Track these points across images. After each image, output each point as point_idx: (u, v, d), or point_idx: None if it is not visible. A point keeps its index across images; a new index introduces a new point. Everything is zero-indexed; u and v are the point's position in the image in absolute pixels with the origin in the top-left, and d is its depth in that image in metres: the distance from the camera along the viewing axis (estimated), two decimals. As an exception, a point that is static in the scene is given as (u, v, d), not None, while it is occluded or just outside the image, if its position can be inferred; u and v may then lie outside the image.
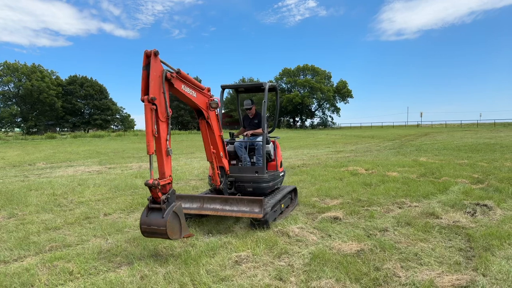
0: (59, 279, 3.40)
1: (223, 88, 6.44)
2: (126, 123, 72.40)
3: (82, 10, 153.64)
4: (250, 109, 6.40)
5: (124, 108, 72.63)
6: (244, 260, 3.77)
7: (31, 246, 4.34)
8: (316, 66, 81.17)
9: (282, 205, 5.56)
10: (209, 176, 5.51)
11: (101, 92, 67.38)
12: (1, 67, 54.71)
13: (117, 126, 71.84)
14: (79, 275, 3.49)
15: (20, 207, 6.39)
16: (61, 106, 60.13)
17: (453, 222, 4.99)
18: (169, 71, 3.85)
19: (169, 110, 3.84)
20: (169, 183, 3.83)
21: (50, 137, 39.86)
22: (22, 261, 3.90)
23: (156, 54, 3.65)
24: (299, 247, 4.17)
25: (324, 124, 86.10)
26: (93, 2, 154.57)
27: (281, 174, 6.08)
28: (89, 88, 64.69)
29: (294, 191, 6.34)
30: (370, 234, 4.60)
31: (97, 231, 4.93)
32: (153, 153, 3.59)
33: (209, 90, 4.81)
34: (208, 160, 5.12)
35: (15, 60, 55.86)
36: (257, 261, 3.75)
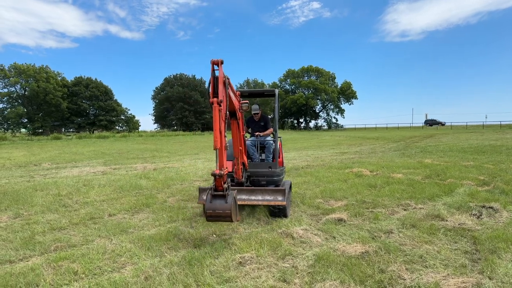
0: (64, 279, 3.42)
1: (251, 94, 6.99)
2: (131, 124, 72.79)
3: (88, 12, 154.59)
4: (257, 113, 6.81)
5: (129, 109, 73.16)
6: (248, 261, 3.77)
7: (36, 246, 4.37)
8: (320, 67, 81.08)
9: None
10: (229, 172, 5.73)
11: (106, 93, 67.81)
12: (9, 69, 55.25)
13: (122, 127, 72.21)
14: (83, 275, 3.51)
15: (25, 207, 6.44)
16: (66, 107, 60.65)
17: (459, 224, 4.95)
18: (227, 77, 4.27)
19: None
20: (226, 174, 4.24)
21: (55, 137, 40.12)
22: (27, 261, 3.93)
23: (222, 62, 4.15)
24: (303, 249, 4.16)
25: (328, 125, 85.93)
26: (99, 4, 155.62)
27: (284, 170, 6.62)
28: (94, 89, 65.14)
29: (290, 186, 6.74)
30: (375, 236, 4.58)
31: (101, 231, 4.95)
32: (219, 147, 4.05)
33: (240, 95, 5.42)
34: (234, 156, 5.47)
35: (24, 63, 56.53)
36: (261, 263, 3.75)
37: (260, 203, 5.32)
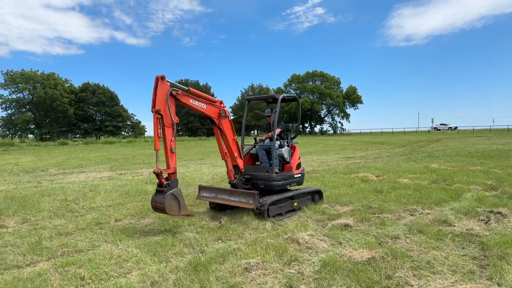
0: (70, 284, 3.44)
1: (247, 100, 7.58)
2: (137, 130, 73.19)
3: (95, 19, 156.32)
4: (269, 116, 7.08)
5: (135, 115, 73.58)
6: (254, 267, 3.75)
7: (43, 251, 4.40)
8: (325, 72, 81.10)
9: (295, 204, 6.26)
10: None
11: (113, 99, 68.36)
12: (17, 75, 56.02)
13: (128, 133, 72.64)
14: (90, 281, 3.52)
15: (33, 213, 6.49)
16: (73, 113, 61.24)
17: (467, 230, 4.90)
18: (175, 90, 5.05)
19: (175, 118, 5.04)
20: (172, 173, 5.12)
21: (62, 143, 40.49)
22: (34, 266, 3.95)
23: (163, 78, 4.93)
24: (309, 255, 4.14)
25: (333, 130, 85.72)
26: (106, 11, 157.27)
27: (296, 176, 6.60)
28: (100, 95, 65.72)
29: (317, 193, 6.95)
30: (382, 242, 4.54)
31: (108, 236, 4.98)
32: (158, 149, 4.90)
33: (221, 102, 5.91)
34: (222, 159, 6.22)
35: (30, 69, 57.34)
36: (266, 268, 3.74)
37: (235, 204, 5.84)
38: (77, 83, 67.74)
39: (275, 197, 5.94)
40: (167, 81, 5.03)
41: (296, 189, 6.67)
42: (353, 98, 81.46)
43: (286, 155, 6.45)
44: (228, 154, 6.17)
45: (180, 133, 72.14)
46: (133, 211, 6.46)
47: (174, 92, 5.05)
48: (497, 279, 3.36)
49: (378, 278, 3.43)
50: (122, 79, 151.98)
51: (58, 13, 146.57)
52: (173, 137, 5.06)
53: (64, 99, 58.32)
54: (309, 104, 75.50)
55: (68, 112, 59.37)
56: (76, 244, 4.68)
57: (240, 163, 6.24)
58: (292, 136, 7.11)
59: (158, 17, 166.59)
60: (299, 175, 6.72)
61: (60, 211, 6.62)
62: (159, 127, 4.88)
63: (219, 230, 5.14)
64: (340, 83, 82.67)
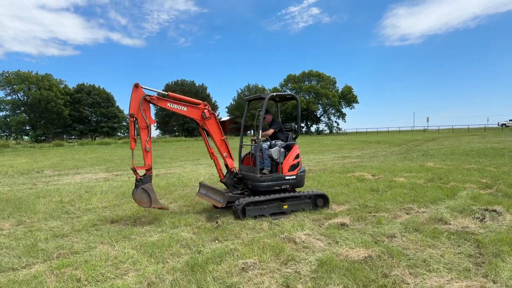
0: (66, 286, 3.42)
1: (247, 100, 7.32)
2: (133, 131, 72.83)
3: (90, 20, 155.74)
4: (264, 118, 6.84)
5: (130, 116, 73.19)
6: (251, 267, 3.76)
7: (39, 253, 4.37)
8: (321, 72, 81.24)
9: (285, 206, 6.08)
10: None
11: (108, 100, 68.03)
12: (12, 76, 55.61)
13: (124, 134, 72.32)
14: (86, 282, 3.50)
15: (28, 215, 6.45)
16: (68, 114, 60.86)
17: (462, 228, 4.94)
18: (148, 95, 5.66)
19: (150, 121, 5.68)
20: (148, 170, 5.80)
21: (57, 144, 40.19)
22: (30, 269, 3.93)
23: (137, 85, 5.60)
24: (306, 254, 4.15)
25: (329, 130, 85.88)
26: (101, 12, 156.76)
27: (287, 178, 6.30)
28: (96, 96, 65.38)
29: (321, 197, 6.44)
30: (378, 241, 4.56)
31: (104, 238, 4.96)
32: (133, 148, 5.77)
33: (205, 104, 6.18)
34: (211, 159, 6.49)
35: (27, 71, 56.90)
36: (263, 268, 3.74)
37: (212, 202, 6.21)
38: (72, 84, 67.41)
39: (256, 198, 5.91)
40: (142, 88, 5.65)
41: (293, 191, 6.41)
42: (348, 98, 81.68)
43: (275, 156, 6.26)
44: (214, 154, 6.50)
45: (176, 133, 71.97)
46: (130, 212, 6.44)
47: (148, 98, 5.64)
48: (492, 277, 3.39)
49: (375, 276, 3.45)
50: (118, 80, 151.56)
51: (52, 14, 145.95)
52: (148, 138, 5.71)
53: (59, 100, 57.94)
54: (305, 104, 75.57)
55: (63, 113, 59.00)
56: (72, 245, 4.66)
57: (230, 162, 6.36)
58: (284, 137, 6.83)
59: (153, 18, 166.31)
60: (293, 177, 6.35)
61: (55, 212, 6.59)
62: (134, 128, 5.64)
63: (216, 231, 5.13)
64: (335, 83, 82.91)
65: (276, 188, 6.27)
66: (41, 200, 7.78)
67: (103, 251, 4.39)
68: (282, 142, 6.59)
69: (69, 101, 61.95)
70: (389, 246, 4.30)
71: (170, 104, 5.91)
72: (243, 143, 7.11)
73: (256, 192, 6.22)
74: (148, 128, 5.67)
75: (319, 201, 6.39)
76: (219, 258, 4.03)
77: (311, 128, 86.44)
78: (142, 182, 5.68)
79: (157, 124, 79.70)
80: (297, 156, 6.51)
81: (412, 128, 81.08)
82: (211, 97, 77.45)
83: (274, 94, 6.60)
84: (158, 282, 3.45)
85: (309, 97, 78.95)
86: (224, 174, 6.55)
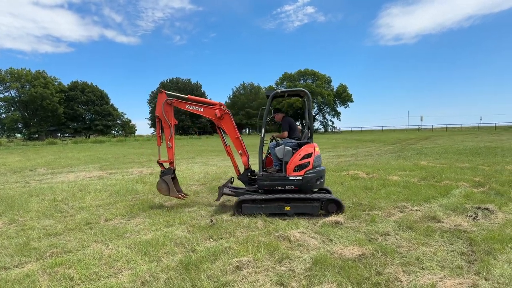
0: (59, 285, 3.40)
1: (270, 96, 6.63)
2: (127, 129, 72.59)
3: (84, 17, 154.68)
4: (274, 117, 6.94)
5: (125, 114, 73.10)
6: (245, 265, 3.76)
7: (31, 252, 4.34)
8: (316, 70, 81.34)
9: (287, 208, 5.82)
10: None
11: (102, 97, 67.69)
12: (5, 73, 54.99)
13: (118, 132, 72.01)
14: (80, 281, 3.48)
15: (21, 213, 6.39)
16: (62, 112, 60.36)
17: (455, 226, 4.98)
18: (169, 99, 6.53)
19: (172, 121, 6.55)
20: (170, 163, 6.63)
21: (51, 142, 39.90)
22: (22, 267, 3.90)
23: (161, 91, 6.60)
24: (300, 252, 4.16)
25: (324, 129, 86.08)
26: (95, 9, 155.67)
27: (291, 178, 5.95)
28: (90, 94, 64.99)
29: (333, 203, 5.93)
30: (372, 239, 4.59)
31: (97, 236, 4.93)
32: (159, 145, 6.70)
33: (220, 105, 6.55)
34: (227, 156, 6.85)
35: (21, 68, 56.34)
36: (258, 266, 3.74)
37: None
38: (66, 81, 66.79)
39: (254, 196, 5.96)
40: (165, 92, 6.57)
41: (298, 193, 6.00)
42: (343, 97, 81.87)
43: (280, 155, 6.13)
44: (230, 152, 6.78)
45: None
46: (124, 211, 6.41)
47: (169, 101, 6.50)
48: (484, 274, 3.42)
49: (369, 274, 3.47)
50: (112, 78, 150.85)
51: (46, 10, 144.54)
52: (170, 136, 6.55)
53: (54, 98, 57.43)
54: (301, 103, 75.56)
55: (57, 111, 58.50)
56: (65, 244, 4.63)
57: (244, 160, 6.57)
58: (298, 135, 6.60)
59: (148, 16, 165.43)
60: (298, 178, 5.92)
61: (48, 211, 6.53)
62: (160, 128, 6.62)
63: (210, 229, 5.12)
64: (331, 81, 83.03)
65: (279, 188, 6.02)
66: (34, 198, 7.71)
67: (96, 249, 4.37)
68: (293, 141, 6.34)
69: (63, 99, 61.46)
70: (382, 244, 4.32)
71: (188, 106, 6.55)
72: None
73: (265, 191, 6.15)
74: (170, 127, 6.54)
75: (331, 207, 5.88)
76: (213, 256, 4.03)
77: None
78: (164, 173, 6.59)
79: (151, 122, 79.47)
80: (307, 156, 5.98)
81: (407, 127, 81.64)
82: (206, 95, 77.38)
83: (279, 91, 6.22)
84: (152, 281, 3.44)
85: (304, 95, 78.92)
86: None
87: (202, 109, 6.55)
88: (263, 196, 5.94)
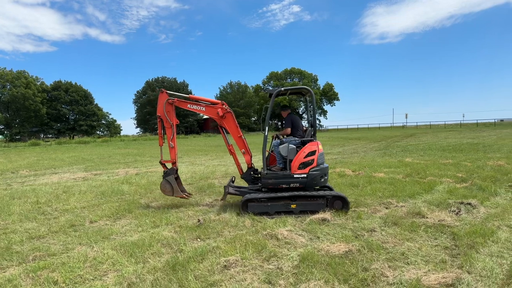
0: (43, 289, 3.32)
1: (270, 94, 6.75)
2: (112, 129, 71.49)
3: (67, 15, 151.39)
4: (280, 113, 6.90)
5: (110, 114, 71.89)
6: (233, 264, 3.75)
7: (14, 256, 4.23)
8: (302, 69, 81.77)
9: (293, 206, 5.82)
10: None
11: (86, 97, 66.41)
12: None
13: (103, 132, 70.84)
14: (64, 285, 3.42)
15: (2, 216, 6.22)
16: (45, 112, 59.02)
17: (439, 221, 5.08)
18: (171, 98, 6.44)
19: (173, 121, 6.50)
20: (173, 163, 6.63)
21: (34, 144, 39.01)
22: (4, 272, 3.80)
23: (162, 91, 6.49)
24: (288, 250, 4.18)
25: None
26: (78, 7, 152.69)
27: (295, 176, 5.96)
28: (74, 93, 63.68)
29: (339, 199, 5.94)
30: (358, 235, 4.64)
31: (82, 239, 4.84)
32: (161, 145, 6.71)
33: (222, 104, 6.50)
34: (230, 154, 6.88)
35: (1, 68, 54.81)
36: (246, 265, 3.74)
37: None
38: (49, 81, 65.39)
39: (260, 195, 5.91)
40: (167, 92, 6.46)
41: (302, 191, 6.02)
42: (330, 95, 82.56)
43: (284, 153, 6.11)
44: (232, 151, 6.84)
45: (157, 131, 71.05)
46: (109, 212, 6.31)
47: (170, 101, 6.42)
48: (467, 267, 3.50)
49: (355, 270, 3.50)
50: (97, 77, 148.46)
51: (28, 8, 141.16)
52: (172, 136, 6.47)
53: (36, 98, 56.07)
54: (287, 102, 75.93)
55: (40, 111, 57.15)
56: (48, 247, 4.53)
57: (247, 158, 6.56)
58: (301, 134, 6.56)
59: (133, 14, 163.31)
60: (303, 175, 5.95)
61: (31, 214, 6.38)
62: (161, 127, 6.52)
63: (197, 229, 5.09)
64: (317, 80, 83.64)
65: (284, 186, 6.02)
66: (16, 201, 7.52)
67: (81, 252, 4.29)
68: (297, 139, 6.28)
69: (45, 99, 60.10)
70: (369, 240, 4.38)
71: (190, 105, 6.53)
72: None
73: (269, 189, 6.14)
74: (172, 127, 6.48)
75: (337, 204, 5.92)
76: (200, 256, 4.00)
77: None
78: (167, 174, 6.53)
79: (136, 122, 78.57)
80: (311, 153, 6.00)
81: (392, 125, 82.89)
82: (193, 94, 76.86)
83: (282, 89, 6.27)
84: (139, 282, 3.40)
85: (291, 94, 79.22)
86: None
87: (204, 108, 6.53)
88: (271, 195, 5.89)
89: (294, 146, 6.10)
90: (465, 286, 3.14)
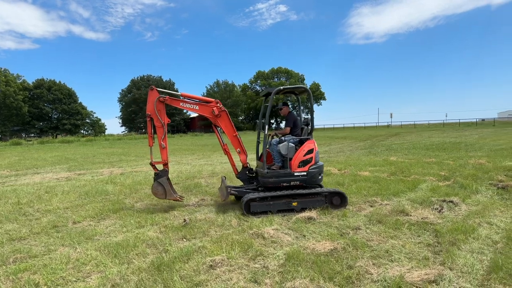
0: (23, 292, 3.24)
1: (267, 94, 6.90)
2: (97, 128, 70.40)
3: (49, 11, 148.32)
4: (281, 109, 6.88)
5: (94, 113, 70.92)
6: (219, 264, 3.74)
7: (-7, 258, 4.12)
8: (289, 69, 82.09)
9: (294, 203, 5.86)
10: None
11: (70, 96, 65.19)
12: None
13: (87, 131, 69.68)
14: (45, 287, 3.34)
15: (-19, 218, 6.04)
16: (27, 111, 57.63)
17: (422, 218, 5.17)
18: (162, 96, 6.17)
19: (165, 120, 6.23)
20: (164, 164, 6.36)
21: (15, 143, 38.07)
22: (-17, 275, 3.69)
23: (151, 88, 6.24)
24: (274, 249, 4.19)
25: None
26: (61, 4, 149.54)
27: (296, 174, 6.04)
28: (57, 92, 62.41)
29: (337, 195, 6.07)
30: (343, 233, 4.69)
31: (65, 240, 4.74)
32: (151, 145, 6.18)
33: (217, 102, 6.36)
34: (224, 154, 6.71)
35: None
36: (232, 265, 3.73)
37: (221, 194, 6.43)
38: (31, 79, 63.81)
39: (262, 194, 5.85)
40: (157, 90, 6.22)
41: (302, 188, 6.14)
42: (316, 95, 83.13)
43: (283, 152, 6.09)
44: (227, 150, 6.66)
45: (143, 130, 70.21)
46: (93, 213, 6.20)
47: (161, 99, 6.15)
48: (449, 264, 3.57)
49: (340, 268, 3.54)
50: (80, 75, 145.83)
51: (9, 4, 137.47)
52: (163, 136, 6.24)
53: (17, 96, 54.67)
54: (274, 101, 75.95)
55: (22, 110, 55.77)
56: (30, 249, 4.42)
57: (242, 158, 6.48)
58: (298, 132, 6.56)
59: (118, 11, 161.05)
60: (303, 173, 6.05)
61: (12, 215, 6.22)
62: (151, 127, 6.18)
63: (183, 229, 5.05)
64: (304, 79, 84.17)
65: (284, 184, 6.08)
66: (-4, 202, 7.32)
67: (63, 253, 4.20)
68: (295, 138, 6.30)
69: (27, 97, 58.70)
70: (354, 238, 4.42)
71: (182, 104, 6.31)
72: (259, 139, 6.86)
73: (267, 188, 6.13)
74: (163, 126, 6.22)
75: (335, 200, 6.05)
76: (186, 256, 3.97)
77: (281, 124, 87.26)
78: (158, 176, 6.27)
79: (122, 121, 77.51)
80: (310, 152, 6.12)
81: (377, 124, 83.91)
82: (179, 92, 76.25)
83: (282, 88, 6.32)
84: (123, 283, 3.35)
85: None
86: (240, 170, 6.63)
87: (197, 107, 6.32)
88: (272, 193, 5.86)
89: (293, 145, 6.16)
90: (447, 282, 3.21)
